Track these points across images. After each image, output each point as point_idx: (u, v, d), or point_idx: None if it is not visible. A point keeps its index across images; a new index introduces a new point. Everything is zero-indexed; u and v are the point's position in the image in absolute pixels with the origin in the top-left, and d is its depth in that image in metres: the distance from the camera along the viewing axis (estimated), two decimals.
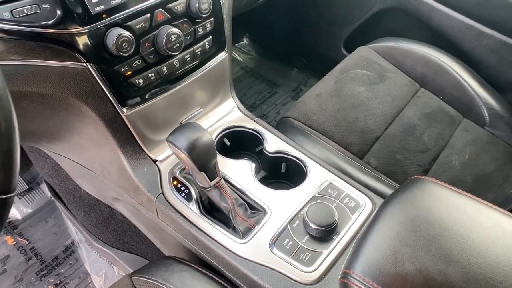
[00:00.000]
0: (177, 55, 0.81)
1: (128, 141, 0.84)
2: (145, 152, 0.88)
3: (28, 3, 0.61)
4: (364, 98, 1.19)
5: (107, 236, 1.21)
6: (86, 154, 0.96)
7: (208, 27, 0.85)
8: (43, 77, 0.67)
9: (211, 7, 0.81)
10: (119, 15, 0.70)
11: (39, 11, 0.62)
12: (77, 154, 0.99)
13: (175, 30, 0.76)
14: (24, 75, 0.66)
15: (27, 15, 0.61)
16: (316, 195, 0.81)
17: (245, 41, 2.14)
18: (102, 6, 0.68)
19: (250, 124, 0.99)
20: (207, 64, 0.90)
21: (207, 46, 0.87)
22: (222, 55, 0.93)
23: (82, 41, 0.67)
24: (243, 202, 0.80)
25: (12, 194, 0.45)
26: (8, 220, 1.39)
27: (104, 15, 0.68)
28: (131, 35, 0.70)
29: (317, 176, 0.86)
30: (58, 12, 0.63)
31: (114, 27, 0.69)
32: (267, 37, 2.08)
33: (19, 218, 1.41)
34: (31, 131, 0.85)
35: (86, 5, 0.66)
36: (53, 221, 1.40)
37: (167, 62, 0.80)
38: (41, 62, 0.66)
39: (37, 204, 1.42)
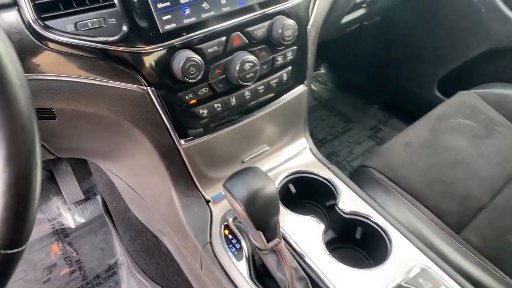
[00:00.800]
0: (249, 85, 0.69)
1: (182, 176, 0.74)
2: (199, 190, 0.77)
3: (94, 16, 0.54)
4: (466, 154, 0.97)
5: (149, 267, 1.13)
6: (138, 179, 0.88)
7: (289, 56, 0.73)
8: (98, 97, 0.60)
9: (296, 34, 0.69)
10: (190, 36, 0.61)
11: (104, 25, 0.55)
12: (130, 178, 0.92)
13: (251, 57, 0.65)
14: (79, 93, 0.59)
15: (91, 29, 0.55)
16: (404, 284, 0.62)
17: (322, 70, 2.01)
18: (173, 25, 0.59)
19: (323, 171, 0.83)
20: (282, 98, 0.78)
21: (285, 78, 0.75)
22: (301, 88, 0.80)
23: (146, 61, 0.59)
24: (305, 275, 0.64)
25: (21, 249, 0.35)
26: (62, 227, 1.39)
27: (173, 35, 0.59)
28: (201, 59, 0.60)
29: (404, 255, 0.67)
30: (124, 28, 0.56)
31: (183, 49, 0.60)
32: (347, 68, 1.93)
33: (72, 226, 1.40)
34: (84, 149, 0.80)
35: (156, 22, 0.57)
36: (102, 236, 1.37)
37: (238, 93, 0.69)
38: (99, 81, 0.59)
39: (91, 215, 1.41)
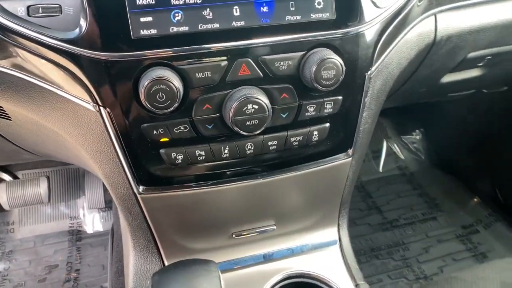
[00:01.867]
0: (253, 136, 0.48)
1: (142, 232, 0.55)
2: (161, 256, 0.56)
3: (49, 1, 0.40)
4: None
5: None
6: None
7: (328, 108, 0.50)
8: (44, 104, 0.46)
9: (340, 78, 0.46)
10: (174, 51, 0.42)
11: (59, 15, 0.41)
12: None
13: (260, 98, 0.44)
14: (22, 91, 0.45)
15: (45, 16, 0.41)
16: None
17: (415, 136, 1.65)
18: (153, 31, 0.42)
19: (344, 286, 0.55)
20: (306, 164, 0.54)
21: (316, 138, 0.51)
22: (341, 158, 0.55)
23: (104, 73, 0.42)
24: None
25: None
26: (78, 229, 1.33)
27: (149, 44, 0.42)
28: (178, 85, 0.42)
29: None
30: (82, 23, 0.40)
31: (158, 66, 0.42)
32: (449, 141, 1.55)
33: (88, 232, 1.33)
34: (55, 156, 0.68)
35: (128, 23, 0.41)
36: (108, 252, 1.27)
37: (234, 143, 0.48)
38: (45, 83, 0.44)
39: (108, 226, 1.32)
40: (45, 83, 0.44)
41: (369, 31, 0.48)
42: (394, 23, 0.51)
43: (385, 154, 1.61)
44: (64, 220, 1.37)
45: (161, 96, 0.42)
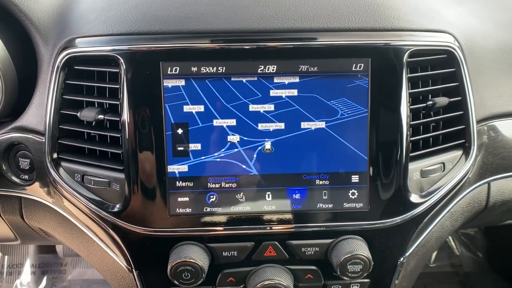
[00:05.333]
0: None
1: None
2: None
3: (101, 174, 0.45)
4: None
5: None
6: None
7: None
8: (84, 244, 0.51)
9: (368, 271, 0.44)
10: (203, 230, 0.45)
11: (107, 188, 0.46)
12: None
13: (284, 284, 0.44)
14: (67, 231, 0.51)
15: (95, 187, 0.46)
16: None
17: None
18: (187, 210, 0.45)
19: None
20: None
21: None
22: None
23: (140, 243, 0.46)
24: None
25: None
26: None
27: (183, 222, 0.45)
28: (202, 264, 0.44)
29: None
30: (126, 200, 0.45)
31: (188, 241, 0.45)
32: None
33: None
34: None
35: (166, 202, 0.44)
36: None
37: None
38: (89, 231, 0.49)
39: None
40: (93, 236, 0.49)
41: (406, 223, 0.46)
42: (437, 208, 0.48)
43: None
44: None
45: (186, 275, 0.44)
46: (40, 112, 0.47)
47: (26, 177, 0.49)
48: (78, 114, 0.45)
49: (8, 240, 0.60)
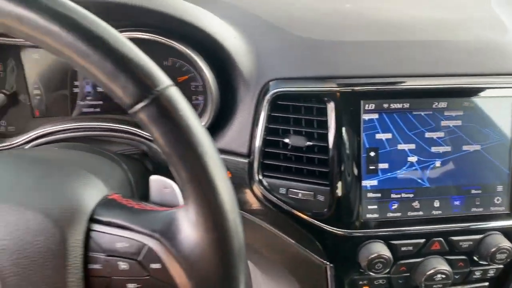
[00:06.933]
0: None
1: None
2: None
3: (305, 188, 0.57)
4: None
5: None
6: None
7: (490, 273, 0.62)
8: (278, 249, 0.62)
9: (511, 257, 0.58)
10: (388, 230, 0.57)
11: (311, 199, 0.57)
12: None
13: (447, 269, 0.58)
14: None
15: (299, 199, 0.57)
16: None
17: None
18: (375, 215, 0.57)
19: None
20: None
21: None
22: None
23: (335, 242, 0.58)
24: None
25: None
26: None
27: (371, 225, 0.57)
28: (390, 256, 0.56)
29: None
30: (330, 207, 0.56)
31: (374, 240, 0.57)
32: None
33: None
34: None
35: (360, 210, 0.56)
36: None
37: None
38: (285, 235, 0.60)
39: None
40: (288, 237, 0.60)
41: None
42: None
43: None
44: None
45: (378, 266, 0.56)
46: (240, 137, 0.58)
47: None
48: (287, 141, 0.56)
49: None
